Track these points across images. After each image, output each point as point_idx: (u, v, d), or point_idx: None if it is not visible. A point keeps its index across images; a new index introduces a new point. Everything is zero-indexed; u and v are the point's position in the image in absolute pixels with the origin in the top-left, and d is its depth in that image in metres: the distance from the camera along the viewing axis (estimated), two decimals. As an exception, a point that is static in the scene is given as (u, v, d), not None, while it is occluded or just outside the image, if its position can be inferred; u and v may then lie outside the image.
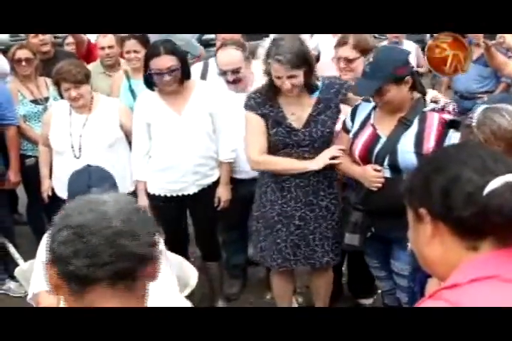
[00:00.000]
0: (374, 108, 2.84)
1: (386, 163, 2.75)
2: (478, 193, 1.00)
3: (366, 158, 2.81)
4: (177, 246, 3.28)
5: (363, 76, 2.70)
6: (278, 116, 3.01)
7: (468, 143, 1.36)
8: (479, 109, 2.22)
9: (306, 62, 2.88)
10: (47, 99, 4.26)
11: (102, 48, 4.52)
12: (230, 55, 3.40)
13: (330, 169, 3.04)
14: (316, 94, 3.00)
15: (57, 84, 3.62)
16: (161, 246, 2.01)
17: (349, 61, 3.26)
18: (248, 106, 3.06)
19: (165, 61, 3.23)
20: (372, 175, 2.75)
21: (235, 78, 3.41)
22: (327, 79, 3.05)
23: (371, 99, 2.81)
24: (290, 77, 2.86)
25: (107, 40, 4.50)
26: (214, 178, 3.50)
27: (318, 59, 4.81)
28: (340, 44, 3.32)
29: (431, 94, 2.81)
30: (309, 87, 2.96)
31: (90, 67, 4.22)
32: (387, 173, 2.76)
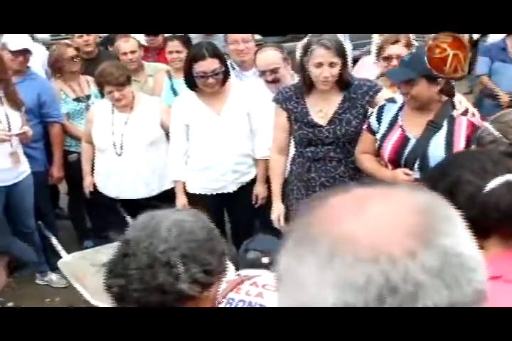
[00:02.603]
0: (400, 109, 2.84)
1: (416, 165, 2.75)
2: (478, 193, 1.08)
3: (396, 161, 2.81)
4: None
5: (400, 64, 2.77)
6: (302, 112, 3.07)
7: (470, 150, 1.43)
8: (486, 125, 2.23)
9: (344, 53, 2.95)
10: (88, 96, 4.37)
11: (125, 53, 4.45)
12: (268, 55, 3.46)
13: (357, 171, 3.08)
14: (344, 92, 3.05)
15: (99, 85, 3.74)
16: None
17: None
18: (275, 100, 3.15)
19: (210, 64, 3.31)
20: (403, 179, 2.73)
21: (273, 78, 3.45)
22: (357, 80, 3.11)
23: (396, 97, 2.85)
24: (331, 64, 2.89)
25: (129, 45, 4.45)
26: (251, 176, 3.59)
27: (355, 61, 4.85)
28: (390, 42, 3.40)
29: (457, 97, 2.81)
30: (341, 83, 3.00)
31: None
32: (417, 175, 2.76)
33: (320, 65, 2.90)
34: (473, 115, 2.74)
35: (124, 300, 1.05)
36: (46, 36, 7.76)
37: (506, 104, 4.72)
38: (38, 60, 4.55)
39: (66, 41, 4.58)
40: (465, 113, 2.74)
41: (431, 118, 2.75)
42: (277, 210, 3.23)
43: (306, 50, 2.93)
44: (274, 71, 3.46)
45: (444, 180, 1.13)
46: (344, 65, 2.96)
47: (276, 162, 3.26)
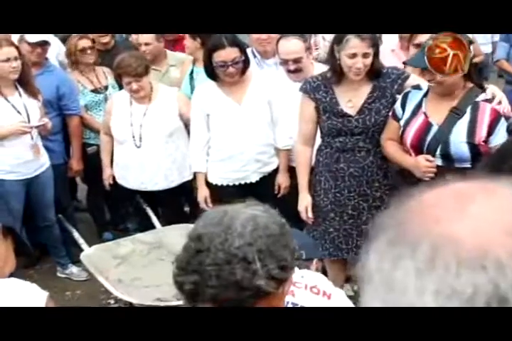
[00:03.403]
0: (425, 95, 2.83)
1: (438, 152, 2.74)
2: None
3: (418, 147, 2.80)
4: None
5: (421, 50, 2.72)
6: (331, 102, 3.03)
7: None
8: None
9: (377, 43, 2.93)
10: (106, 87, 4.34)
11: (139, 45, 4.39)
12: (291, 45, 3.39)
13: (386, 161, 3.05)
14: (373, 81, 3.01)
15: (117, 76, 3.72)
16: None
17: None
18: (302, 90, 3.11)
19: (229, 53, 3.28)
20: (425, 166, 2.74)
21: (296, 67, 3.40)
22: (385, 68, 3.07)
23: (422, 84, 2.82)
24: (365, 55, 2.86)
25: (143, 37, 4.36)
26: (274, 166, 3.56)
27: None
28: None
29: (491, 89, 2.78)
30: (372, 72, 2.96)
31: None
32: (439, 162, 2.76)
33: (354, 55, 2.87)
34: (500, 103, 2.71)
35: (198, 297, 1.03)
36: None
37: None
38: (53, 52, 4.52)
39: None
40: (490, 100, 2.71)
41: (454, 105, 2.73)
42: (305, 201, 3.20)
43: (340, 39, 2.88)
44: (296, 61, 3.40)
45: (506, 163, 1.09)
46: (376, 54, 2.93)
47: (302, 153, 3.22)
